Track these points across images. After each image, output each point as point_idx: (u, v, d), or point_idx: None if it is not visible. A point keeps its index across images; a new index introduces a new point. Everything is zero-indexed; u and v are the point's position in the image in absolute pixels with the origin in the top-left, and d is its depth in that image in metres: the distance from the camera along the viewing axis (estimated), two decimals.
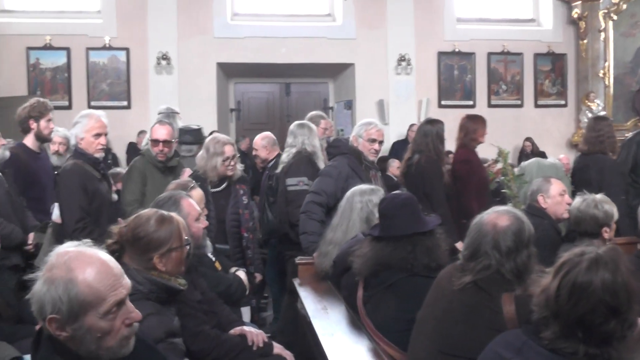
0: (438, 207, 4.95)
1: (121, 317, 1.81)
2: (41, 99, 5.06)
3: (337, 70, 10.95)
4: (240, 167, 4.73)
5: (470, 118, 5.68)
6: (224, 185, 4.63)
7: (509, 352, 1.98)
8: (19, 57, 10.07)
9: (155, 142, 4.77)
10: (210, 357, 2.89)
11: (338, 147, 4.98)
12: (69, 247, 1.84)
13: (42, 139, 4.96)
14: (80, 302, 1.73)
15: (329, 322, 3.36)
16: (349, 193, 4.02)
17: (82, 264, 1.77)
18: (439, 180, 5.14)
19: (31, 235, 4.52)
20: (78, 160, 4.22)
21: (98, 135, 4.26)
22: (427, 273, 3.03)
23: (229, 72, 10.75)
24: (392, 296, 3.08)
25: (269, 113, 11.27)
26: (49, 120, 4.92)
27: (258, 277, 4.70)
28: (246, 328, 3.23)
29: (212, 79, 10.25)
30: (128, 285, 1.86)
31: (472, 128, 5.54)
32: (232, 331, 3.17)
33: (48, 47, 10.11)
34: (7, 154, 4.58)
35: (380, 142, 4.87)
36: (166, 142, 4.76)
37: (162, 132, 4.77)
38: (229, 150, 4.58)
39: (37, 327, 3.55)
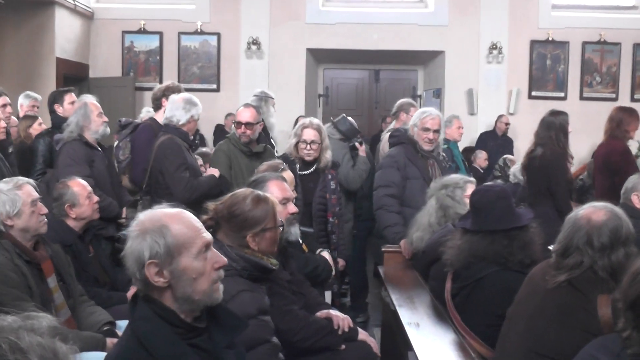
0: (562, 204, 4.80)
1: (210, 261, 1.92)
2: (177, 84, 5.37)
3: (427, 58, 10.75)
4: (330, 154, 4.68)
5: (626, 110, 5.45)
6: (312, 169, 4.64)
7: (606, 357, 1.91)
8: (115, 41, 10.51)
9: (238, 123, 4.85)
10: (297, 337, 2.92)
11: (397, 137, 4.92)
12: (149, 210, 1.98)
13: None
14: (175, 243, 1.86)
15: (414, 312, 3.33)
16: (436, 182, 3.99)
17: (169, 215, 1.92)
18: (564, 175, 4.99)
19: (125, 210, 4.76)
20: (171, 135, 4.52)
21: (195, 121, 4.68)
22: (520, 268, 2.96)
23: (318, 57, 10.77)
24: (482, 290, 3.02)
25: (357, 99, 11.25)
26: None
27: (341, 262, 4.68)
28: (332, 312, 3.23)
29: (301, 64, 10.31)
30: (210, 235, 1.99)
31: (627, 120, 5.32)
32: (318, 314, 3.18)
33: (142, 32, 10.48)
34: (108, 130, 4.78)
35: (435, 131, 4.71)
36: (248, 125, 4.80)
37: (245, 115, 4.83)
38: (307, 134, 4.57)
39: (130, 293, 3.76)
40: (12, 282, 3.00)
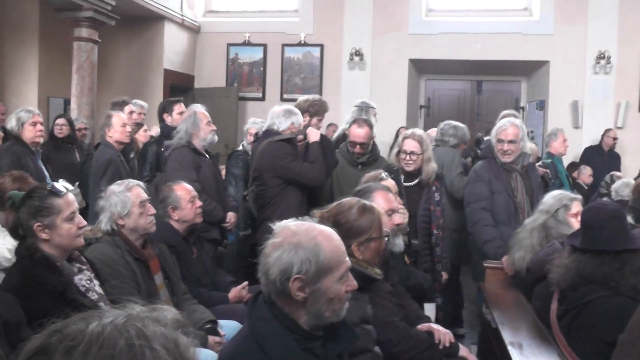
0: None
1: (345, 283, 1.97)
2: (323, 99, 5.47)
3: (531, 68, 10.41)
4: (433, 166, 4.59)
5: None
6: (416, 181, 4.59)
7: None
8: (220, 53, 10.93)
9: (352, 143, 4.86)
10: (396, 348, 2.88)
11: (485, 150, 4.84)
12: (297, 221, 2.01)
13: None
14: (325, 265, 1.90)
15: (517, 332, 3.21)
16: (547, 196, 3.88)
17: (323, 234, 1.95)
18: None
19: (230, 214, 4.90)
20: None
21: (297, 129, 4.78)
22: (633, 294, 2.77)
23: (420, 68, 10.69)
24: (590, 314, 2.85)
25: (459, 111, 11.04)
26: (320, 121, 5.30)
27: (445, 275, 4.60)
28: (434, 326, 3.17)
29: (403, 75, 10.26)
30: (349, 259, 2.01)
31: None
32: (419, 327, 3.13)
33: (246, 44, 10.83)
34: (215, 138, 4.95)
35: (510, 142, 4.50)
36: (363, 145, 4.84)
37: (360, 135, 4.84)
38: (407, 144, 4.53)
39: (232, 295, 3.87)
40: (122, 277, 3.18)
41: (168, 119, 5.70)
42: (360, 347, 2.49)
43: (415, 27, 10.19)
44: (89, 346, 0.88)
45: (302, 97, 5.49)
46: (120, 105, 6.03)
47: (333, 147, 4.87)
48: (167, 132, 5.44)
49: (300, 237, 1.91)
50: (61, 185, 2.81)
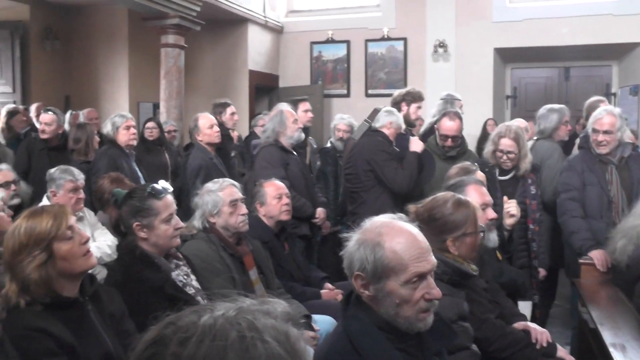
0: None
1: (422, 290, 1.88)
2: (416, 88, 5.57)
3: (623, 51, 9.81)
4: (530, 159, 4.43)
5: None
6: (511, 175, 4.46)
7: None
8: (304, 51, 11.01)
9: (444, 137, 4.83)
10: (493, 346, 2.83)
11: (581, 140, 4.60)
12: (384, 217, 1.98)
13: (408, 122, 5.30)
14: (384, 266, 1.85)
15: (618, 333, 3.05)
16: None
17: (392, 232, 1.89)
18: None
19: (319, 210, 4.93)
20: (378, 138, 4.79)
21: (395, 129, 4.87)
22: None
23: (506, 57, 10.38)
24: None
25: (546, 99, 10.59)
26: (419, 107, 5.37)
27: (542, 272, 4.43)
28: (530, 324, 3.09)
29: (488, 65, 9.99)
30: (433, 262, 1.93)
31: None
32: (515, 325, 3.06)
33: (330, 41, 10.85)
34: (302, 135, 5.05)
35: (605, 132, 4.24)
36: (455, 138, 4.82)
37: (452, 128, 4.82)
38: (504, 144, 4.38)
39: (324, 291, 3.91)
40: (218, 271, 3.28)
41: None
42: (457, 345, 2.45)
43: (500, 14, 9.89)
44: (202, 337, 0.91)
45: (397, 92, 5.57)
46: (222, 107, 6.17)
47: (434, 163, 4.81)
48: None
49: (367, 234, 1.90)
50: (161, 186, 2.91)
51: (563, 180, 4.43)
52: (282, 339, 0.95)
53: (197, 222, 3.49)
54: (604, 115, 4.31)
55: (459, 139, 4.85)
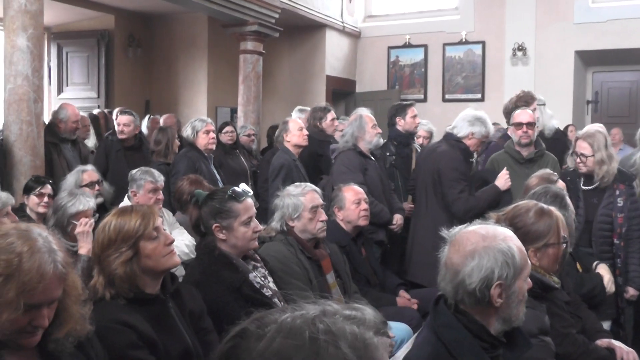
0: None
1: (528, 282, 1.97)
2: (526, 90, 5.44)
3: None
4: (612, 167, 4.15)
5: None
6: (596, 184, 4.21)
7: None
8: (381, 56, 11.01)
9: (518, 125, 4.67)
10: None
11: None
12: (480, 225, 1.98)
13: None
14: (519, 267, 1.88)
15: None
16: None
17: (506, 235, 1.94)
18: None
19: (397, 216, 4.89)
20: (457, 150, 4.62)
21: (483, 143, 4.76)
22: None
23: (587, 60, 10.02)
24: None
25: (630, 105, 10.15)
26: (535, 110, 5.11)
27: (632, 292, 4.10)
28: (615, 342, 2.94)
29: (569, 68, 9.68)
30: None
31: None
32: (598, 342, 2.93)
33: (407, 46, 10.81)
34: (381, 141, 5.01)
35: None
36: (529, 125, 4.64)
37: (525, 115, 4.68)
38: (579, 145, 4.20)
39: (400, 299, 3.86)
40: (295, 274, 3.31)
41: (401, 122, 5.52)
42: (538, 359, 2.36)
43: (582, 15, 9.55)
44: (276, 335, 0.93)
45: (508, 100, 5.41)
46: (323, 112, 6.04)
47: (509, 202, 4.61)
48: (395, 136, 5.46)
49: (492, 242, 1.88)
50: (242, 189, 2.96)
51: None
52: (359, 346, 0.94)
53: (275, 223, 3.53)
54: None
55: (533, 125, 4.64)
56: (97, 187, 4.63)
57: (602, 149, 4.20)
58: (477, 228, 1.93)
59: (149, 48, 10.17)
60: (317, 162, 5.75)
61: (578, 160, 4.20)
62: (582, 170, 4.22)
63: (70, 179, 4.59)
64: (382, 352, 0.97)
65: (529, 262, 1.96)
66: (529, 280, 1.96)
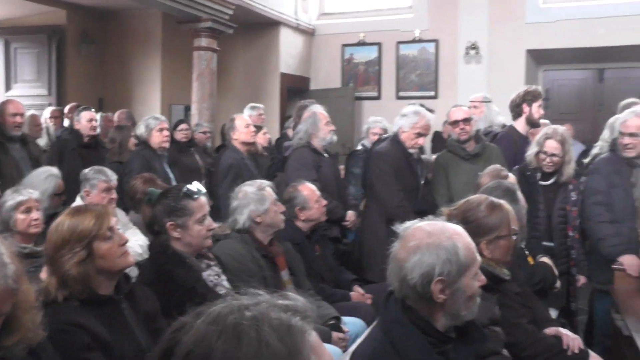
0: None
1: (479, 279, 1.96)
2: (533, 86, 5.34)
3: None
4: (572, 167, 4.31)
5: None
6: (553, 180, 4.35)
7: None
8: (335, 54, 11.04)
9: (454, 123, 4.76)
10: (525, 352, 2.79)
11: (612, 142, 4.48)
12: (427, 221, 1.99)
13: (532, 123, 5.12)
14: (464, 264, 1.89)
15: None
16: None
17: (455, 232, 1.94)
18: None
19: (350, 213, 4.94)
20: (393, 147, 4.65)
21: (419, 135, 4.65)
22: None
23: (538, 58, 10.23)
24: None
25: (580, 102, 10.45)
26: (539, 106, 5.14)
27: (581, 280, 4.32)
28: (562, 330, 3.05)
29: (521, 66, 9.87)
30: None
31: None
32: (547, 330, 3.02)
33: (361, 43, 10.85)
34: (335, 138, 5.01)
35: (631, 135, 4.13)
36: (465, 121, 4.72)
37: (459, 113, 4.77)
38: (549, 145, 4.26)
39: (354, 294, 3.90)
40: (250, 271, 3.31)
41: None
42: (488, 350, 2.43)
43: (533, 15, 9.76)
44: (202, 324, 0.96)
45: (513, 95, 5.29)
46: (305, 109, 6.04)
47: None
48: None
49: (437, 238, 1.89)
50: (195, 187, 2.95)
51: (588, 185, 4.34)
52: (282, 330, 0.96)
53: (241, 222, 3.50)
54: (630, 118, 4.22)
55: (469, 121, 4.74)
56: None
57: (570, 149, 4.35)
58: (425, 224, 1.95)
59: (102, 44, 9.99)
60: None
61: (548, 160, 4.28)
62: (549, 170, 4.31)
63: (43, 186, 4.28)
64: (307, 337, 0.99)
65: (478, 259, 1.96)
66: (481, 277, 1.97)
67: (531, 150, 4.39)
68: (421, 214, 2.21)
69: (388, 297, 1.97)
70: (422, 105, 5.03)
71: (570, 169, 4.30)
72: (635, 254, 4.00)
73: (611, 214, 4.20)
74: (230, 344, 0.92)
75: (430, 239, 1.88)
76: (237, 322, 0.94)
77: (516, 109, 5.09)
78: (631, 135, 4.17)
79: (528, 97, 5.01)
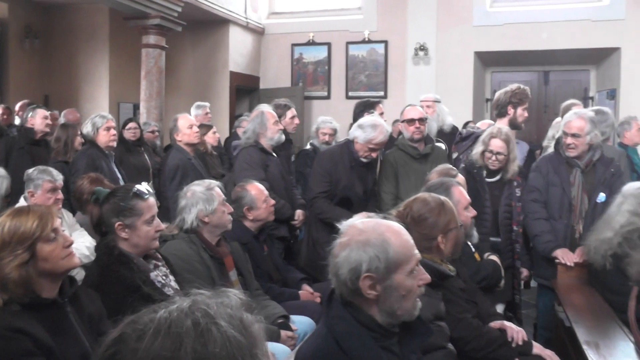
0: None
1: (417, 278, 1.96)
2: (523, 87, 5.19)
3: (601, 56, 10.00)
4: (516, 164, 4.43)
5: None
6: (498, 177, 4.46)
7: None
8: (285, 53, 11.06)
9: (410, 121, 4.80)
10: (469, 346, 2.86)
11: (555, 142, 4.61)
12: (363, 218, 2.00)
13: (515, 126, 5.09)
14: (395, 260, 1.89)
15: (592, 331, 3.13)
16: (627, 190, 3.74)
17: (388, 229, 1.94)
18: None
19: (298, 212, 4.96)
20: (339, 151, 4.72)
21: (371, 150, 4.63)
22: None
23: (486, 61, 10.50)
24: None
25: None
26: (525, 109, 5.08)
27: (524, 272, 4.48)
28: (506, 323, 3.13)
29: (469, 68, 10.11)
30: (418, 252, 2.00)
31: None
32: (492, 324, 3.10)
33: (311, 43, 10.91)
34: (283, 137, 5.01)
35: (573, 135, 4.27)
36: (421, 120, 4.79)
37: (415, 112, 4.82)
38: (494, 144, 4.36)
39: (302, 292, 3.92)
40: (198, 272, 3.29)
41: None
42: (433, 344, 2.48)
43: (480, 18, 10.02)
44: (158, 329, 0.96)
45: (500, 91, 5.21)
46: (283, 110, 5.78)
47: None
48: None
49: (367, 235, 1.90)
50: (144, 188, 2.91)
51: (528, 182, 4.49)
52: (236, 323, 1.00)
53: (189, 222, 3.47)
54: (574, 119, 4.35)
55: (424, 121, 4.81)
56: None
57: (514, 148, 4.47)
58: (360, 222, 1.97)
59: (47, 39, 9.74)
60: None
61: (494, 158, 4.37)
62: (494, 167, 4.41)
63: None
64: (257, 326, 1.04)
65: (415, 257, 1.95)
66: (423, 275, 1.97)
67: (477, 149, 4.49)
68: None
69: (331, 293, 1.99)
70: (371, 99, 5.02)
71: (514, 166, 4.41)
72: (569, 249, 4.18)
73: (548, 211, 4.35)
74: (198, 343, 0.95)
75: (361, 236, 1.90)
76: (196, 322, 0.97)
77: (501, 109, 5.08)
78: (573, 135, 4.30)
79: (514, 100, 5.01)
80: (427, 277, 1.99)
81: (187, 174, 4.92)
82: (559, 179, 4.36)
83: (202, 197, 3.47)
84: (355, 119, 5.40)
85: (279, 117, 5.67)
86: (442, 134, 5.51)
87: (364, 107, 5.53)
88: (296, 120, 5.87)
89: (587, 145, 4.33)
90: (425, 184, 3.83)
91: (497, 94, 5.18)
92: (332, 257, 1.94)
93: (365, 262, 1.86)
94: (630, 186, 3.79)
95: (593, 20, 9.57)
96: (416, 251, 1.97)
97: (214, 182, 3.63)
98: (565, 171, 4.37)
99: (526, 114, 5.10)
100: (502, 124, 4.96)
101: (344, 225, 1.98)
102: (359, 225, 1.94)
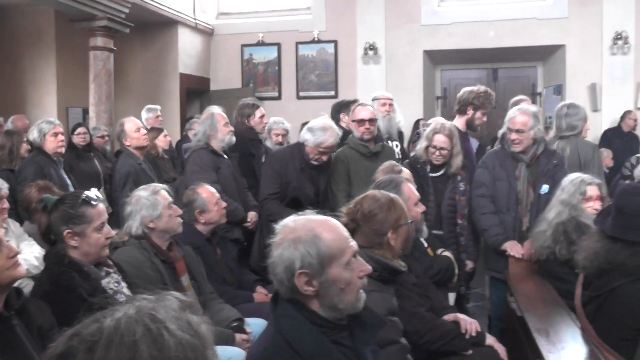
0: None
1: (357, 269, 1.95)
2: (489, 91, 5.15)
3: (547, 53, 10.26)
4: (459, 159, 4.51)
5: None
6: (442, 171, 4.55)
7: None
8: (234, 54, 10.99)
9: (360, 121, 4.82)
10: (423, 339, 2.91)
11: (501, 137, 4.74)
12: (296, 217, 2.00)
13: (471, 127, 5.10)
14: (328, 255, 1.89)
15: (542, 320, 3.21)
16: (565, 180, 3.86)
17: (321, 223, 1.95)
18: None
19: (251, 214, 4.93)
20: (289, 152, 4.76)
21: (321, 153, 4.63)
22: None
23: (435, 59, 10.63)
24: (616, 301, 2.79)
25: None
26: (485, 114, 5.08)
27: (470, 264, 4.57)
28: (460, 315, 3.20)
29: (418, 67, 10.22)
30: (355, 243, 2.01)
31: None
32: (445, 317, 3.16)
33: (260, 44, 10.87)
34: (233, 139, 4.98)
35: (517, 131, 4.37)
36: (371, 121, 4.82)
37: (365, 112, 4.83)
38: (437, 139, 4.45)
39: (257, 294, 3.91)
40: (150, 278, 3.24)
41: (345, 119, 5.46)
42: (387, 339, 2.51)
43: (428, 17, 10.14)
44: (110, 339, 0.95)
45: (467, 89, 5.18)
46: (251, 109, 5.76)
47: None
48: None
49: (298, 232, 1.90)
50: (93, 194, 2.86)
51: (475, 178, 4.57)
52: (184, 325, 1.01)
53: (134, 229, 3.41)
54: (517, 115, 4.44)
55: (374, 122, 4.85)
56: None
57: (458, 143, 4.55)
58: (292, 220, 1.97)
59: None
60: (250, 162, 5.57)
61: (437, 153, 4.46)
62: (438, 162, 4.50)
63: None
64: (204, 326, 1.05)
65: (350, 249, 1.95)
66: (362, 267, 1.97)
67: (420, 145, 4.59)
68: None
69: (276, 293, 2.00)
70: (346, 99, 4.98)
71: (458, 161, 4.51)
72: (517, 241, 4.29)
73: (496, 205, 4.44)
74: (154, 349, 0.95)
75: (292, 234, 1.91)
76: (147, 328, 0.96)
77: (461, 107, 5.13)
78: (517, 131, 4.39)
79: (476, 102, 5.04)
80: (367, 268, 1.99)
81: (138, 180, 4.86)
82: (505, 173, 4.44)
83: (145, 202, 3.41)
84: (333, 119, 5.40)
85: (248, 116, 5.71)
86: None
87: (340, 108, 5.55)
88: (265, 120, 5.81)
89: (531, 140, 4.42)
90: (373, 182, 3.88)
91: (462, 90, 5.23)
92: (268, 258, 1.94)
93: (297, 259, 1.86)
94: (567, 178, 3.90)
95: (538, 19, 9.81)
96: (352, 243, 1.97)
97: (159, 186, 3.57)
98: (510, 165, 4.46)
99: (485, 119, 5.16)
100: (460, 122, 5.06)
101: (278, 225, 1.98)
102: (291, 223, 1.95)
